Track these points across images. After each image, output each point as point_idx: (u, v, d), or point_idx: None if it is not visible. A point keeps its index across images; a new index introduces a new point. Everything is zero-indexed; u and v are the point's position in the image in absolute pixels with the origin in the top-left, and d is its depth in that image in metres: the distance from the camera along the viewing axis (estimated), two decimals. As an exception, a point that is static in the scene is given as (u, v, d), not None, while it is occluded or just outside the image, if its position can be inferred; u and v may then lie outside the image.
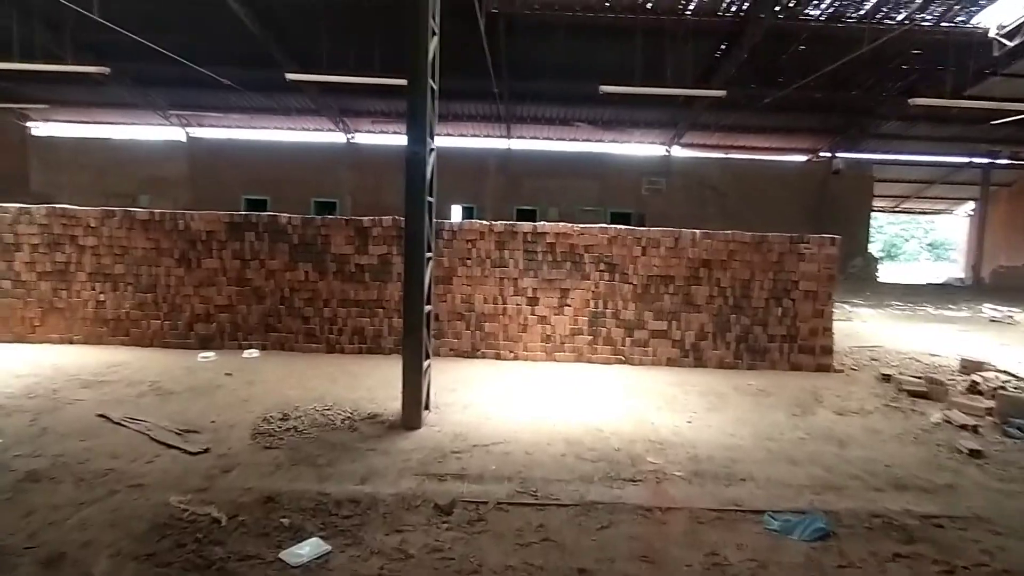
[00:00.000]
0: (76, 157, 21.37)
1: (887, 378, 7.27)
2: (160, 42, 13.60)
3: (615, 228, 7.80)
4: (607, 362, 7.73)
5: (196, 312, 7.73)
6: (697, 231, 7.78)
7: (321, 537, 3.22)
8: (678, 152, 22.40)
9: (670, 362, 7.76)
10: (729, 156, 22.52)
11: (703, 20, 13.61)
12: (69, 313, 7.70)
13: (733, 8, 13.22)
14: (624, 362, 7.74)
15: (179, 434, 4.65)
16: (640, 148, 22.48)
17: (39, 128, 21.71)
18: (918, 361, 8.49)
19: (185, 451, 4.34)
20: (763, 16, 12.85)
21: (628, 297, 7.75)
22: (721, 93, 14.44)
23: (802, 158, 22.89)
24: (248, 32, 14.15)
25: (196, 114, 21.06)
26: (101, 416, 5.02)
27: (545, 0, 13.14)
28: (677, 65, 14.34)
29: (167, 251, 7.70)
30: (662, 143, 22.11)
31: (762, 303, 7.75)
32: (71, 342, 7.66)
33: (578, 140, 22.04)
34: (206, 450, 4.38)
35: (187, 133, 21.92)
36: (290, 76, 14.50)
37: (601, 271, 7.74)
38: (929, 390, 6.60)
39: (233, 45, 15.00)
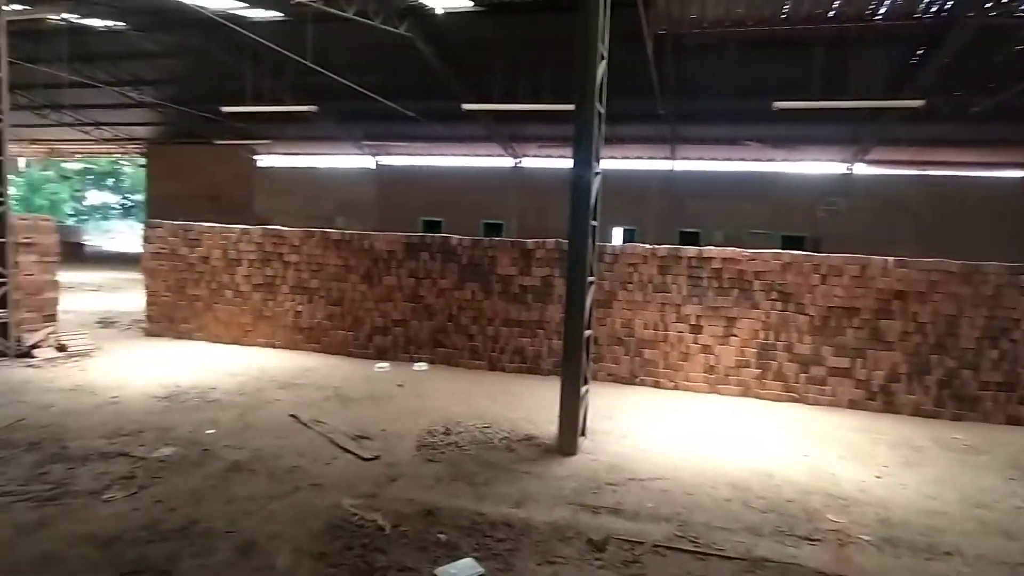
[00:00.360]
0: (289, 184, 24.90)
1: None
2: (358, 81, 15.39)
3: (790, 253, 7.18)
4: (777, 399, 7.10)
5: (375, 325, 8.46)
6: (889, 258, 6.90)
7: (475, 558, 3.30)
8: (861, 170, 20.11)
9: (852, 404, 6.93)
10: (925, 173, 19.72)
11: (895, 24, 12.14)
12: (274, 321, 8.84)
13: (933, 8, 11.64)
14: (797, 400, 7.06)
15: (355, 439, 5.08)
16: (815, 166, 20.55)
17: (262, 160, 25.50)
18: None
19: (359, 456, 4.73)
20: (971, 15, 11.12)
21: (804, 329, 7.07)
22: (917, 103, 12.73)
23: (1021, 173, 19.33)
24: (431, 68, 15.48)
25: (384, 144, 23.39)
26: (292, 416, 5.67)
27: (715, 17, 12.63)
28: (862, 75, 12.96)
29: (354, 268, 8.53)
30: (842, 160, 20.00)
31: (972, 343, 6.65)
32: (274, 346, 8.78)
33: (746, 160, 20.76)
34: (376, 457, 4.74)
35: (376, 161, 24.34)
36: (466, 106, 15.49)
37: (773, 300, 7.16)
38: None
39: (418, 81, 16.48)
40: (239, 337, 8.94)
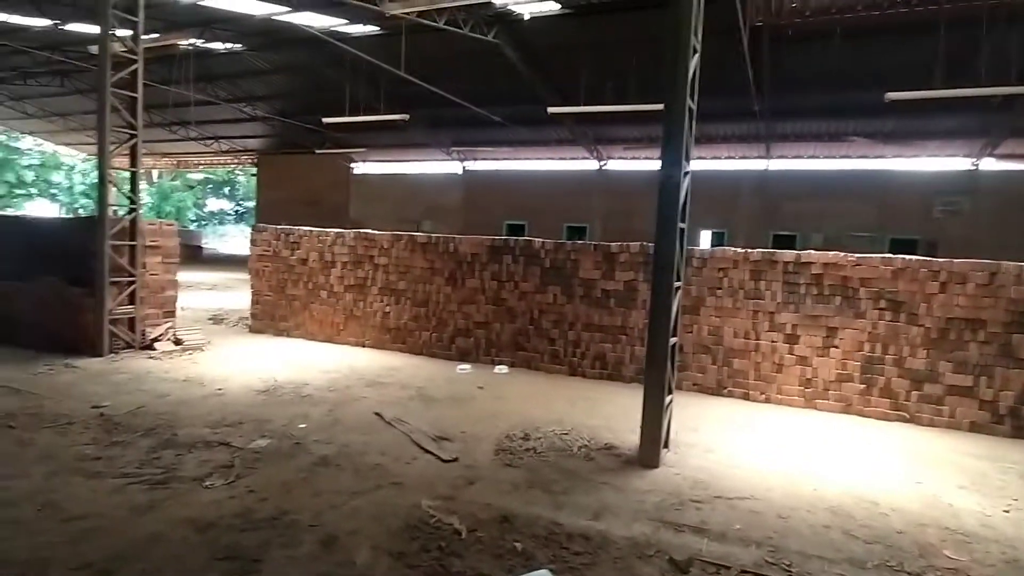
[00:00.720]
0: (381, 190, 25.99)
1: None
2: (447, 89, 15.80)
3: (902, 259, 6.56)
4: (884, 418, 6.51)
5: (458, 327, 8.60)
6: (1025, 265, 6.16)
7: (550, 570, 3.22)
8: (988, 165, 18.09)
9: (974, 427, 6.23)
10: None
11: None
12: (363, 321, 9.20)
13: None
14: (908, 420, 6.44)
15: (435, 440, 5.15)
16: (931, 162, 18.68)
17: (357, 167, 26.77)
18: None
19: (438, 457, 4.79)
20: None
21: (917, 342, 6.44)
22: (1060, 88, 11.27)
23: None
24: (517, 73, 15.60)
25: (471, 149, 23.86)
26: (377, 415, 5.84)
27: (820, 5, 11.82)
28: (994, 59, 11.64)
29: (439, 271, 8.71)
30: (965, 155, 18.08)
31: None
32: (363, 345, 9.13)
33: (850, 157, 19.28)
34: (455, 459, 4.78)
35: (463, 166, 24.88)
36: (552, 110, 15.48)
37: (881, 309, 6.58)
38: None
39: (504, 86, 16.68)
40: (332, 335, 9.37)
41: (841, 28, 12.30)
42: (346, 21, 13.91)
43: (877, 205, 18.52)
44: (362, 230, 9.57)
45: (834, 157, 19.45)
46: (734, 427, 6.01)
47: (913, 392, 6.47)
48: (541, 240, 8.23)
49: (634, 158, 21.30)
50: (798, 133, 18.49)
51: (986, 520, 4.14)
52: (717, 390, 7.23)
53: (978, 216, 17.57)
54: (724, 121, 17.53)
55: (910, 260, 6.53)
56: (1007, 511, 4.32)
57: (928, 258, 6.59)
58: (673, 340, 5.01)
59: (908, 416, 6.46)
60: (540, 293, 8.10)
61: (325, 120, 17.92)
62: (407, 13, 11.09)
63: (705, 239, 20.08)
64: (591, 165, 22.51)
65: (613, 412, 6.21)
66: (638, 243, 7.63)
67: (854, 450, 5.50)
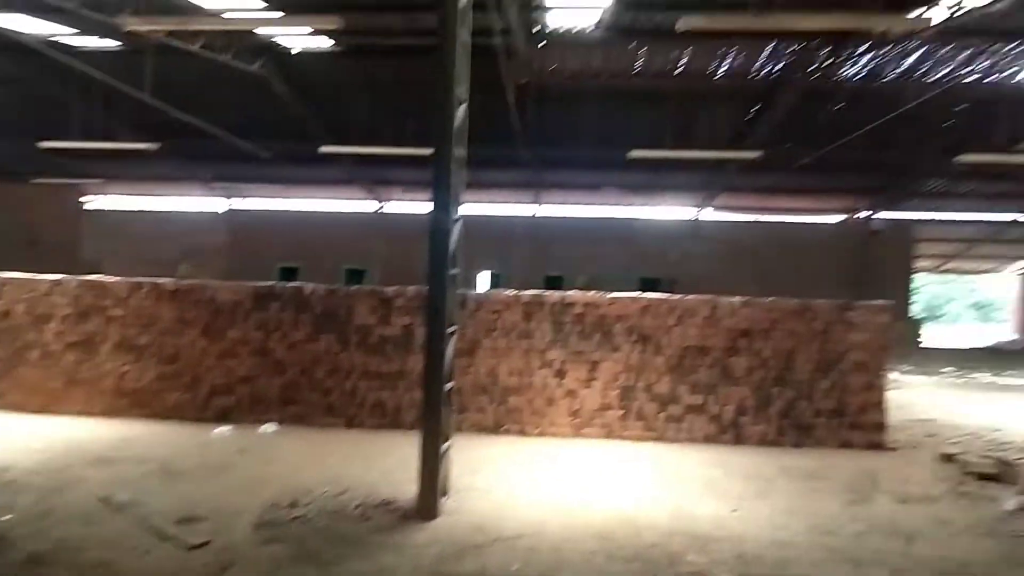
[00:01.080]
0: (123, 228, 22.31)
1: (949, 458, 6.64)
2: (207, 119, 14.34)
3: (648, 297, 7.48)
4: (639, 439, 7.23)
5: (216, 384, 7.57)
6: (736, 299, 7.41)
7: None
8: (710, 216, 22.13)
9: (707, 439, 7.23)
10: (763, 219, 22.16)
11: (735, 83, 13.67)
12: (91, 385, 7.61)
13: (764, 71, 13.25)
14: (658, 439, 7.24)
15: (179, 523, 4.35)
16: (671, 212, 22.31)
17: (93, 201, 22.76)
18: (980, 437, 7.81)
19: (184, 542, 4.04)
20: (797, 76, 12.74)
21: (662, 369, 7.33)
22: (754, 155, 14.30)
23: (840, 218, 22.40)
24: (288, 108, 14.80)
25: (236, 186, 21.92)
26: (103, 499, 4.78)
27: (574, 69, 13.39)
28: (709, 128, 14.37)
29: (193, 322, 7.63)
30: (694, 206, 21.93)
31: (807, 375, 7.25)
32: (91, 415, 7.52)
33: (608, 205, 22.07)
34: (206, 543, 4.07)
35: (228, 204, 22.71)
36: (324, 149, 14.96)
37: (633, 342, 7.37)
38: (1000, 472, 6.02)
39: (274, 120, 15.70)
40: (47, 405, 7.59)
41: (594, 92, 14.10)
42: (75, 31, 11.93)
43: (629, 249, 21.26)
44: (90, 276, 8.03)
45: (595, 204, 22.02)
46: (512, 464, 6.13)
47: (660, 413, 7.30)
48: (312, 285, 7.71)
49: (413, 200, 21.55)
50: (563, 182, 20.55)
51: (719, 522, 4.74)
52: (495, 428, 7.35)
53: (704, 258, 21.15)
54: (497, 168, 18.64)
55: (653, 298, 7.47)
56: (735, 511, 4.99)
57: (667, 295, 7.61)
58: (449, 385, 4.97)
59: (657, 435, 7.25)
60: (312, 342, 7.54)
61: (43, 145, 14.97)
62: (152, 31, 9.83)
63: (484, 280, 20.96)
64: (370, 207, 22.23)
65: (392, 464, 5.90)
66: (415, 287, 7.56)
67: (616, 473, 5.97)
